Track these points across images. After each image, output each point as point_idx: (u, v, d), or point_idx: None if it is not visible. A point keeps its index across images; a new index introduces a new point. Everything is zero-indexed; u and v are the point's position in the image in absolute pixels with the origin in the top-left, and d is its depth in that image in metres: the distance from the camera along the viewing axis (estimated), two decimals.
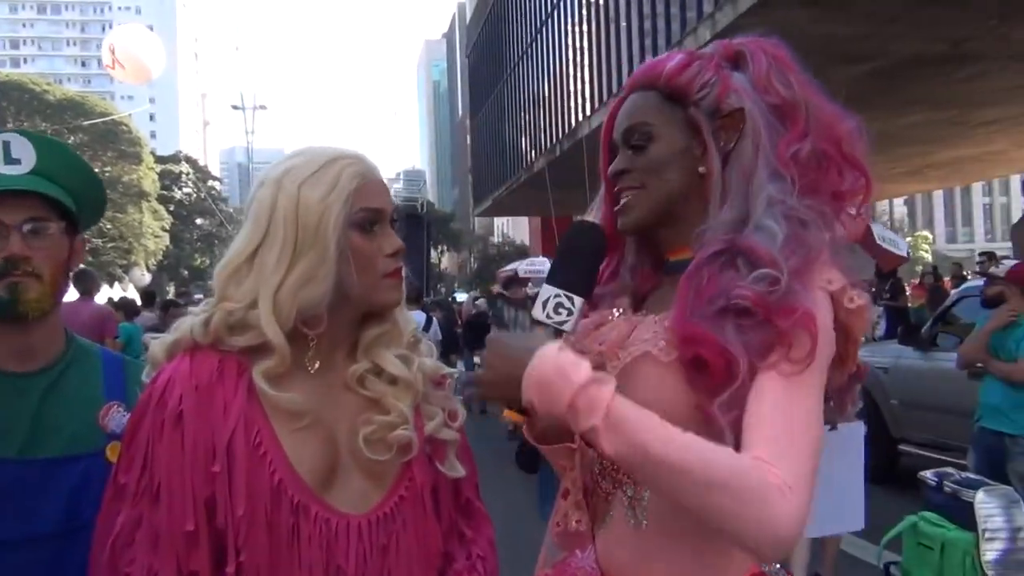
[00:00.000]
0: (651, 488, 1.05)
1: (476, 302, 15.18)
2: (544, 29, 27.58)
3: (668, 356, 1.04)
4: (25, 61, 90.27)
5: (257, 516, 1.04)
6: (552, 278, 1.08)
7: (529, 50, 29.55)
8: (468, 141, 49.02)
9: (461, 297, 24.09)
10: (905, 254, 6.76)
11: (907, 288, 12.41)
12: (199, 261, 51.45)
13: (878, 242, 5.95)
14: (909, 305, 11.66)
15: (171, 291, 33.50)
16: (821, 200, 1.08)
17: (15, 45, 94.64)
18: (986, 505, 3.34)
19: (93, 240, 40.57)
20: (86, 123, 35.93)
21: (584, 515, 1.13)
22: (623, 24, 20.16)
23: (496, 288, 13.64)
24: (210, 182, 57.70)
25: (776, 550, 0.95)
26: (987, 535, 3.30)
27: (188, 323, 1.12)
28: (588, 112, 22.30)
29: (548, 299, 1.06)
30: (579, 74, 23.84)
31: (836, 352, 1.05)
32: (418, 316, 7.39)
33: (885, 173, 19.32)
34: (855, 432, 3.22)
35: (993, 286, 4.54)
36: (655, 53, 8.52)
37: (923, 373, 6.15)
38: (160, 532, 1.02)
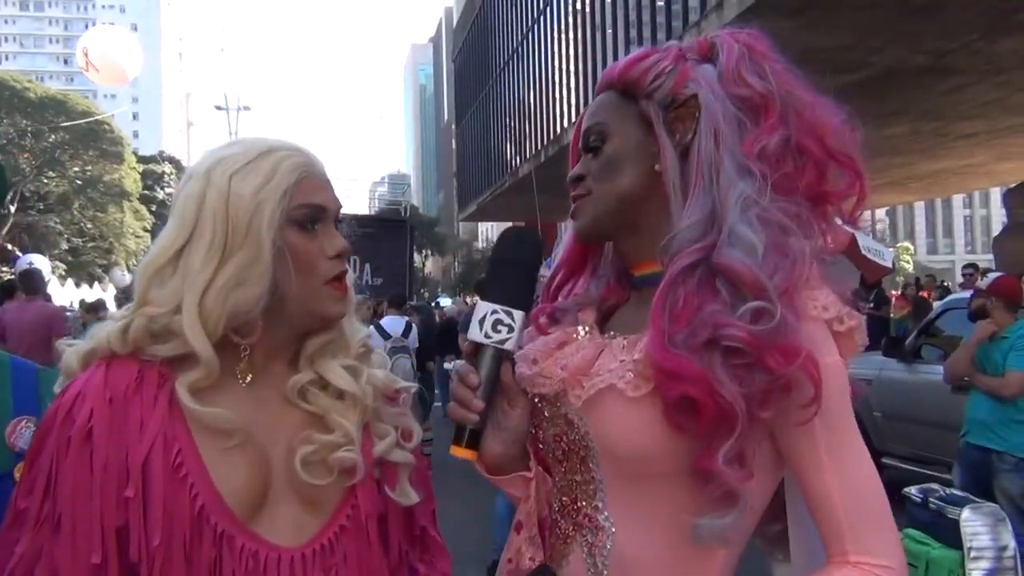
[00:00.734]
0: None
1: (446, 307, 15.09)
2: (530, 35, 27.60)
3: (636, 391, 0.93)
4: (7, 58, 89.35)
5: (175, 548, 0.91)
6: (487, 293, 0.99)
7: (515, 56, 29.57)
8: (453, 145, 48.99)
9: (445, 302, 23.94)
10: (890, 265, 6.70)
11: (892, 298, 12.43)
12: None
13: (863, 252, 5.87)
14: (892, 316, 11.67)
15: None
16: (797, 201, 0.97)
17: None
18: (972, 523, 3.26)
19: (73, 239, 40.12)
20: (68, 123, 35.45)
21: (539, 552, 1.03)
22: (609, 32, 20.21)
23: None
24: (194, 183, 56.77)
25: None
26: (973, 554, 3.22)
27: (106, 330, 0.99)
28: (573, 118, 22.31)
29: (485, 317, 0.98)
30: (565, 80, 23.88)
31: None
32: (398, 322, 7.24)
33: (867, 184, 19.40)
34: None
35: (977, 299, 4.49)
36: None
37: (907, 385, 6.10)
38: (61, 566, 0.90)
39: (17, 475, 1.14)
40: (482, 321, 0.98)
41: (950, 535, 3.25)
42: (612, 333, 1.05)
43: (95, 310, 9.42)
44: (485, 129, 34.09)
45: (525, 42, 28.18)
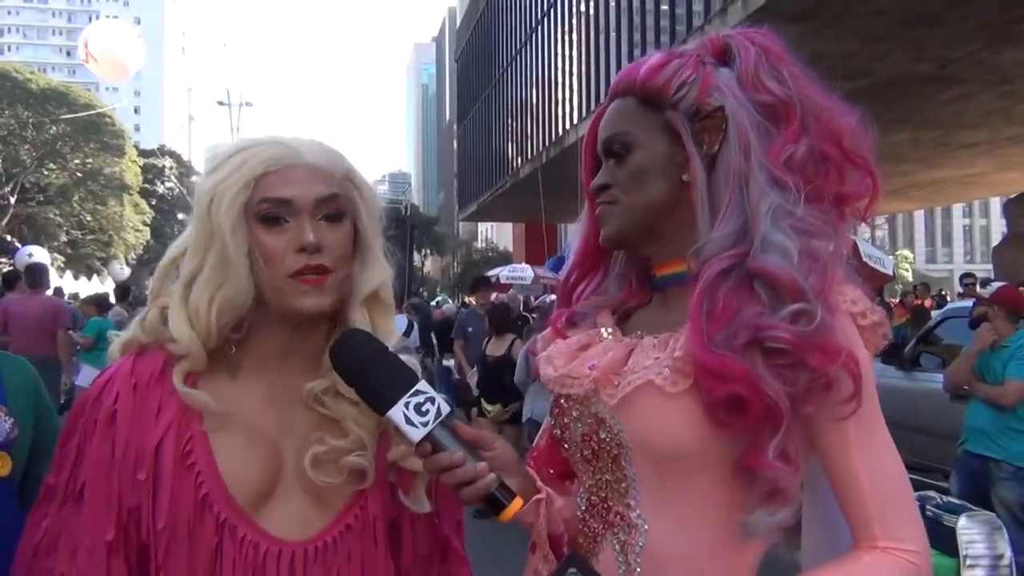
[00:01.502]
0: None
1: (443, 305, 15.08)
2: (533, 36, 27.61)
3: (675, 387, 0.95)
4: (9, 49, 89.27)
5: (179, 531, 0.94)
6: (382, 402, 0.94)
7: (518, 57, 29.57)
8: (455, 145, 48.96)
9: (446, 304, 23.91)
10: (891, 272, 6.72)
11: (891, 305, 12.45)
12: None
13: (864, 260, 5.88)
14: (891, 324, 11.69)
15: (150, 286, 33.10)
16: (824, 207, 0.99)
17: None
18: (968, 531, 3.25)
19: (72, 232, 40.07)
20: (70, 116, 35.40)
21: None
22: (612, 35, 20.21)
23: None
24: (193, 178, 56.86)
25: None
26: (968, 562, 3.21)
27: (137, 320, 1.05)
28: (575, 120, 22.31)
29: (404, 417, 0.93)
30: (567, 82, 23.88)
31: None
32: (400, 322, 7.24)
33: (880, 184, 19.41)
34: None
35: (979, 307, 4.51)
36: None
37: (905, 393, 6.11)
38: (80, 542, 0.93)
39: None
40: (408, 422, 0.93)
41: (946, 543, 3.25)
42: (639, 333, 1.06)
43: (99, 305, 9.42)
44: (487, 129, 34.08)
45: (528, 43, 28.18)
